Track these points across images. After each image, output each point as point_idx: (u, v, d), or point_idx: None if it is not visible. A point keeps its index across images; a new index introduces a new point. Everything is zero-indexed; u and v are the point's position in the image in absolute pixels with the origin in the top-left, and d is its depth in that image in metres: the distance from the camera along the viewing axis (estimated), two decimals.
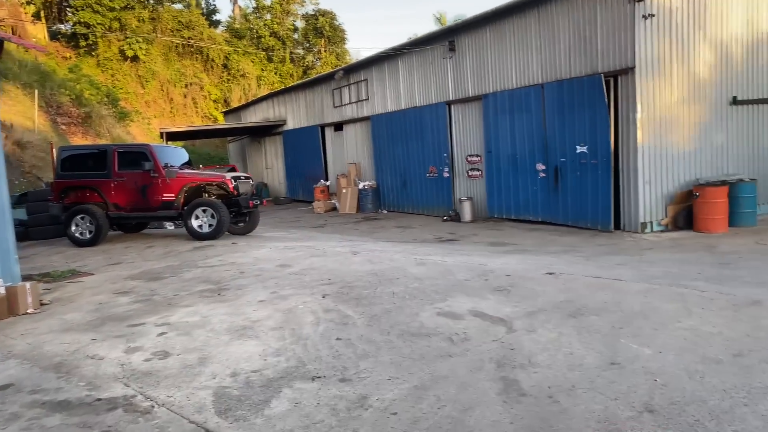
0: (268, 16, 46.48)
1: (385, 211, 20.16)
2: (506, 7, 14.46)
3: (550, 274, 7.77)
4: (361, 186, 20.64)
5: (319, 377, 4.67)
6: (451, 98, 16.94)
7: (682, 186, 12.29)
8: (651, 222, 12.14)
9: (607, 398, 4.11)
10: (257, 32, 44.82)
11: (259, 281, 8.16)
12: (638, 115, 11.79)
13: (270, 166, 29.63)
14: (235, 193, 12.98)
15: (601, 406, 4.00)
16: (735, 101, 12.67)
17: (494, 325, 5.77)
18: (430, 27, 74.74)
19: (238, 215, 13.62)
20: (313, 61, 46.38)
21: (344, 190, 21.07)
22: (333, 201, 22.15)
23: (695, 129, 12.41)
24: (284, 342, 5.52)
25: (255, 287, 7.79)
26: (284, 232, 15.27)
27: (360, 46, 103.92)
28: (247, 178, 14.05)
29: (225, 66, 41.33)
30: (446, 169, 17.46)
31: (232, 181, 13.04)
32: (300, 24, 48.00)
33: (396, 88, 19.32)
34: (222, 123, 34.66)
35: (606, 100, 12.20)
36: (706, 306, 6.12)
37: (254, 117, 30.28)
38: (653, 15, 11.66)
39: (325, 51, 46.49)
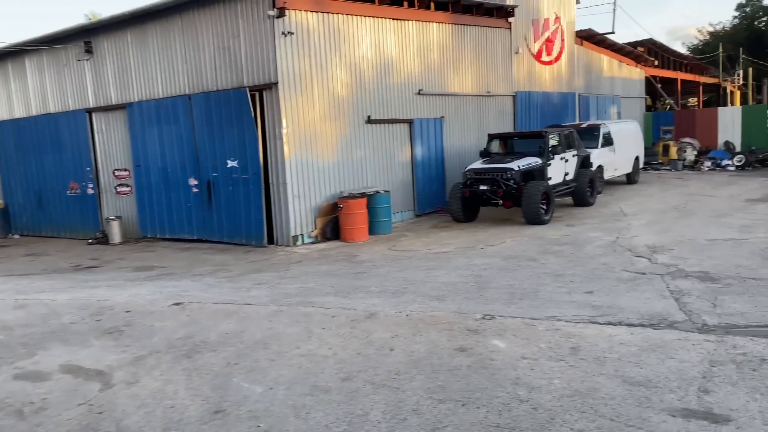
0: None
1: (17, 236, 17.00)
2: (147, 10, 13.31)
3: (177, 304, 7.07)
4: None
5: None
6: (92, 105, 15.02)
7: (328, 198, 12.84)
8: (302, 235, 12.39)
9: None
10: None
11: None
12: (284, 130, 11.91)
13: None
14: None
15: None
16: (369, 120, 13.80)
17: (88, 382, 4.79)
18: None
19: None
20: None
21: None
22: None
23: (338, 144, 13.11)
24: None
25: None
26: None
27: None
28: None
29: None
30: (90, 185, 15.43)
31: None
32: None
33: (24, 91, 16.43)
34: None
35: (253, 114, 12.05)
36: (328, 325, 6.12)
37: None
38: (292, 33, 11.90)
39: None
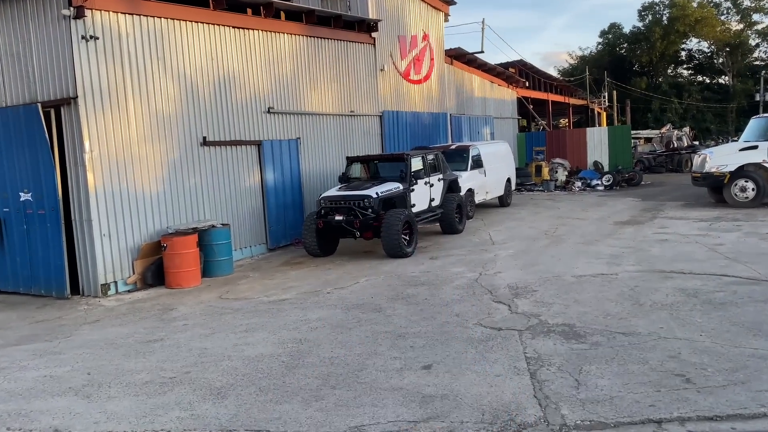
0: None
1: None
2: None
3: None
4: None
5: None
6: None
7: (152, 236, 10.71)
8: (116, 282, 10.16)
9: None
10: None
11: None
12: (87, 155, 9.69)
13: None
14: None
15: None
16: (206, 142, 11.85)
17: None
18: None
19: None
20: None
21: None
22: None
23: (164, 170, 11.04)
24: None
25: None
26: None
27: None
28: None
29: None
30: None
31: None
32: None
33: None
34: None
35: (47, 135, 9.75)
36: None
37: None
38: (97, 37, 9.77)
39: None
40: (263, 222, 13.37)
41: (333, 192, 12.31)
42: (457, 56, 23.90)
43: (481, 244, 12.47)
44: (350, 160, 13.64)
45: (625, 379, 4.64)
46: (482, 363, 5.27)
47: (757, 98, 50.64)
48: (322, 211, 11.98)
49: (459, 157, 16.71)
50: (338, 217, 11.74)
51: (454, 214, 13.99)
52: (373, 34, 17.26)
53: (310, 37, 14.79)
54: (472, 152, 17.07)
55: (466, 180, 16.02)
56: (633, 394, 4.33)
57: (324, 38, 15.30)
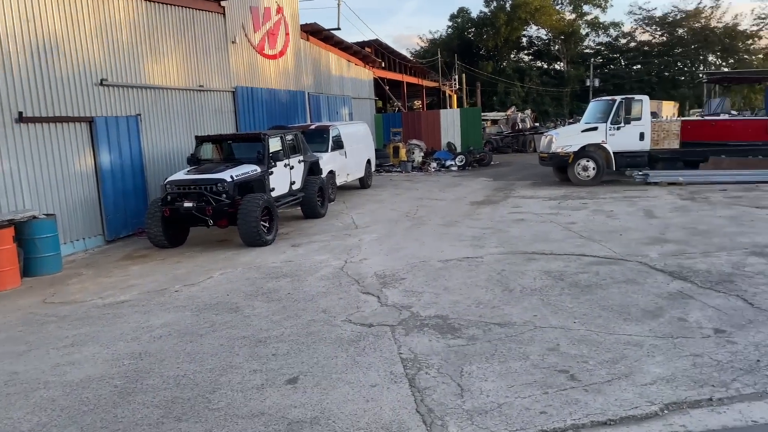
0: None
1: None
2: None
3: None
4: None
5: None
6: None
7: None
8: None
9: None
10: None
11: None
12: None
13: None
14: None
15: None
16: (22, 118, 10.07)
17: None
18: None
19: None
20: None
21: None
22: None
23: None
24: None
25: None
26: None
27: None
28: None
29: None
30: None
31: None
32: None
33: None
34: None
35: None
36: None
37: None
38: None
39: None
40: (98, 211, 11.78)
41: (181, 175, 11.09)
42: (314, 32, 23.05)
43: (345, 229, 11.97)
44: (200, 140, 12.42)
45: (509, 381, 4.32)
46: (355, 370, 4.71)
47: (588, 83, 55.15)
48: (169, 197, 10.74)
49: (319, 138, 16.06)
50: (187, 204, 10.58)
51: (316, 197, 13.35)
52: (223, 3, 15.92)
53: (150, 1, 13.21)
54: (333, 133, 16.48)
55: (327, 162, 15.43)
56: (521, 399, 4.01)
57: (166, 4, 13.76)
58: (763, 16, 58.33)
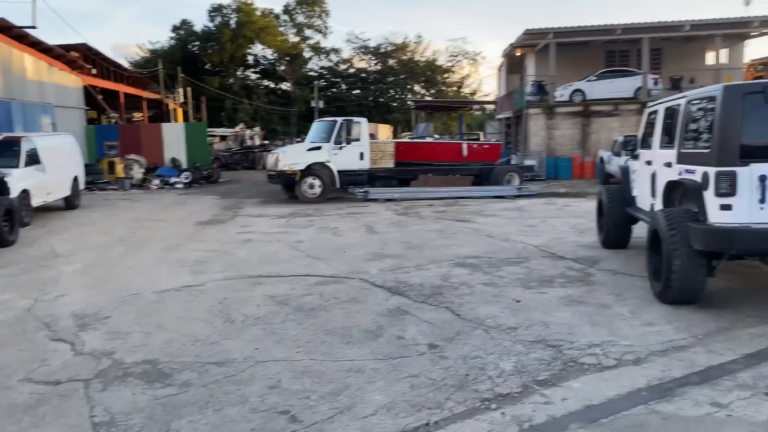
0: None
1: None
2: None
3: None
4: None
5: None
6: None
7: None
8: None
9: None
10: None
11: None
12: None
13: None
14: None
15: None
16: None
17: None
18: None
19: None
20: None
21: None
22: None
23: None
24: None
25: None
26: None
27: None
28: None
29: None
30: None
31: None
32: None
33: None
34: None
35: None
36: None
37: None
38: None
39: None
40: None
41: None
42: (3, 29, 19.63)
43: (40, 259, 10.13)
44: None
45: None
46: None
47: (313, 104, 57.41)
48: None
49: (8, 152, 13.59)
50: None
51: (2, 221, 11.14)
52: None
53: None
54: (27, 146, 14.05)
55: (19, 179, 13.07)
56: None
57: None
58: (455, 53, 67.62)
